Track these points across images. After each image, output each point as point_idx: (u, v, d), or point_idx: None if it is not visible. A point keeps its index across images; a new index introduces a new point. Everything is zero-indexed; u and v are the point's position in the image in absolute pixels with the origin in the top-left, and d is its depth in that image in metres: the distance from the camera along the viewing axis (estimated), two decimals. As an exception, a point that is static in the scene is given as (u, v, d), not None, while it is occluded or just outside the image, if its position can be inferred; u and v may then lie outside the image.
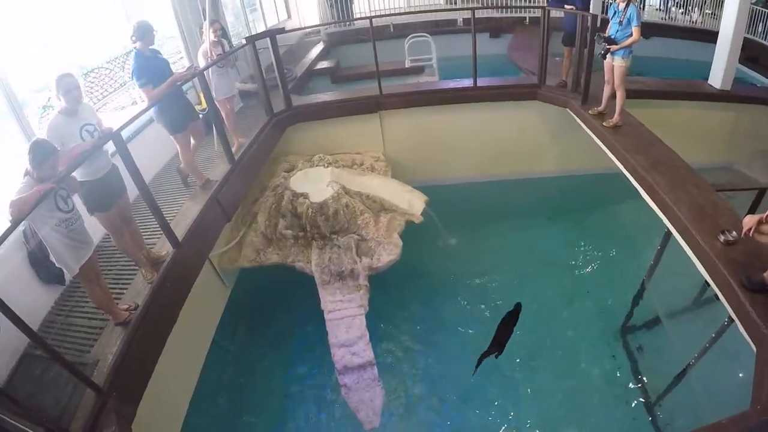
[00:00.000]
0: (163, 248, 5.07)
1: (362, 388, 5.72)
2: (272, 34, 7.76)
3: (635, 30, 6.30)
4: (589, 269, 7.74)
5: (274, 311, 7.20)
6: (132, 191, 4.70)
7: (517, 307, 6.63)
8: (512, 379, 6.26)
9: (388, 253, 6.67)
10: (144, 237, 5.12)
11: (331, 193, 6.96)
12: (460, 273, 7.79)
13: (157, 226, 4.80)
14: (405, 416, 5.88)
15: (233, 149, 6.67)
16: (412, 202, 7.40)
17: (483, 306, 7.22)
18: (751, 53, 13.20)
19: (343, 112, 8.45)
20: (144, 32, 5.34)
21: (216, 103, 6.65)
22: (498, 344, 6.10)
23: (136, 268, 4.86)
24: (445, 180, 9.26)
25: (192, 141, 6.12)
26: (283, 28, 8.46)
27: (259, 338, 6.93)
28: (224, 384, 6.37)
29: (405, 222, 7.18)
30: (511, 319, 6.45)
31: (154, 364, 4.26)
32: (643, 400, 6.01)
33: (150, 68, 5.38)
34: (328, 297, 6.26)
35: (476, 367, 5.99)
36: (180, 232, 5.06)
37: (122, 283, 4.83)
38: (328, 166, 7.74)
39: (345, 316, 6.07)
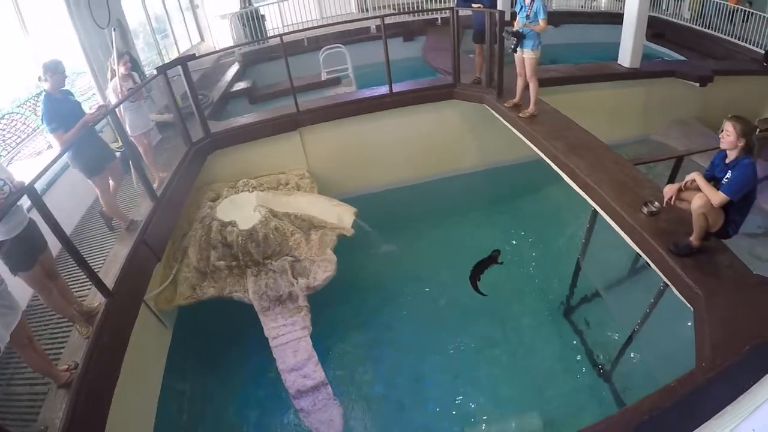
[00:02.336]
0: (95, 299, 4.82)
1: (319, 409, 5.64)
2: (183, 61, 7.53)
3: (542, 22, 6.59)
4: (526, 255, 7.96)
5: (221, 345, 6.97)
6: (55, 243, 4.44)
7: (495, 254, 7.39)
8: (469, 370, 6.38)
9: (323, 270, 6.64)
10: (74, 290, 4.86)
11: (258, 218, 6.86)
12: (400, 278, 7.82)
13: (86, 277, 4.57)
14: (368, 428, 5.87)
15: (155, 185, 6.44)
16: (342, 216, 7.40)
17: (429, 306, 7.31)
18: (657, 30, 14.09)
19: (263, 134, 8.34)
20: (53, 72, 5.00)
21: (132, 139, 6.44)
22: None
23: (71, 324, 4.61)
24: (372, 188, 9.33)
25: (111, 182, 5.86)
26: (194, 54, 8.23)
27: (211, 375, 6.71)
28: (181, 427, 6.14)
29: (337, 236, 7.17)
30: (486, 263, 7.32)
31: (104, 421, 4.06)
32: (597, 371, 6.27)
33: (60, 111, 5.07)
34: (271, 323, 6.17)
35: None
36: (110, 280, 4.83)
37: (58, 342, 4.57)
38: (253, 191, 7.62)
39: (290, 340, 6.00)
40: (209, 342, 7.04)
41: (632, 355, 6.14)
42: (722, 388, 2.94)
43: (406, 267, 8.00)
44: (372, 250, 8.10)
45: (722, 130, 4.11)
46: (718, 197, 4.07)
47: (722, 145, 4.15)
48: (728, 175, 4.09)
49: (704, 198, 4.14)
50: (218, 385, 6.55)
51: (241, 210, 7.11)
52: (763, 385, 2.31)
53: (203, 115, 8.05)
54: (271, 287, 6.38)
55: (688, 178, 4.43)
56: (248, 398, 6.39)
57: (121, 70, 6.47)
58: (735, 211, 4.22)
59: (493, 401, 6.01)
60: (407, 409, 6.05)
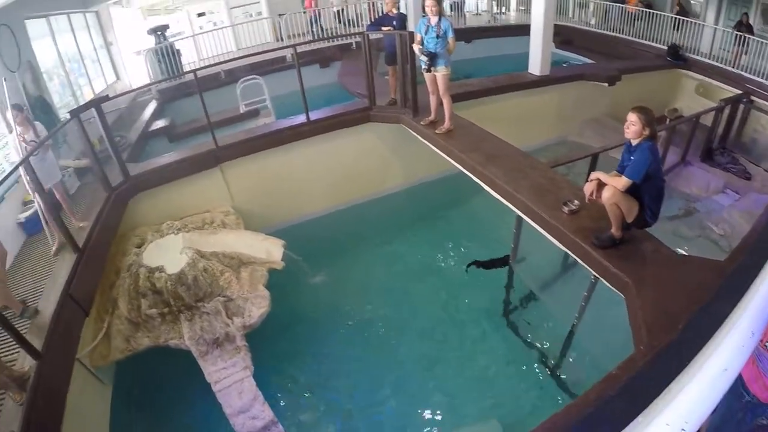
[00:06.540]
0: (25, 363, 4.49)
1: (274, 450, 5.51)
2: (96, 103, 7.18)
3: (451, 40, 6.81)
4: (459, 266, 8.01)
5: (166, 396, 6.57)
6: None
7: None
8: (421, 389, 6.35)
9: (257, 306, 6.48)
10: (1, 355, 4.56)
11: (186, 260, 6.62)
12: (337, 305, 7.70)
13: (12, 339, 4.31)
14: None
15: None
16: (270, 250, 7.27)
17: (368, 331, 7.24)
18: (565, 37, 15.19)
19: (184, 173, 8.07)
20: None
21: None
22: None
23: (3, 392, 4.28)
24: (299, 218, 9.21)
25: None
26: (107, 95, 7.98)
27: (158, 430, 6.33)
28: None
29: (267, 271, 7.03)
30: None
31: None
32: (545, 369, 6.41)
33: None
34: (211, 367, 5.93)
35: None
36: (38, 341, 4.58)
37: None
38: (178, 233, 7.35)
39: (233, 382, 5.77)
40: (153, 394, 6.67)
41: (576, 348, 6.32)
42: (663, 368, 3.00)
43: (340, 294, 7.89)
44: (305, 281, 7.96)
45: (626, 122, 4.34)
46: (621, 182, 4.30)
47: (627, 135, 4.38)
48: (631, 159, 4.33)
49: (611, 188, 4.35)
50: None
51: (168, 254, 6.84)
52: (698, 360, 2.37)
53: (121, 158, 7.74)
54: (207, 330, 6.17)
55: (592, 177, 4.64)
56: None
57: (18, 128, 6.03)
58: (647, 197, 4.43)
59: (450, 415, 6.00)
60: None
